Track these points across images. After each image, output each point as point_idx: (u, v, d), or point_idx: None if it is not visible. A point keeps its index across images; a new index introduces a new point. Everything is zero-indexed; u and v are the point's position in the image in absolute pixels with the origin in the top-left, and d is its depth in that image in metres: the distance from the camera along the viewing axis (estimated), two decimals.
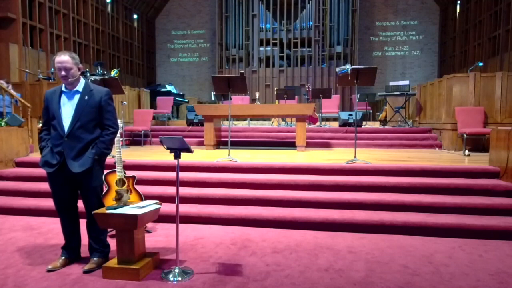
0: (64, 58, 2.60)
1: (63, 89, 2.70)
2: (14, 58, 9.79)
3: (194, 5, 17.10)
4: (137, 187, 3.45)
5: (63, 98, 2.69)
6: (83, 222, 2.87)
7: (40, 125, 7.73)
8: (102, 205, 2.79)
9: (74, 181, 2.70)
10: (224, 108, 6.56)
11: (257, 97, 10.36)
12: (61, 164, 2.64)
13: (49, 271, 2.66)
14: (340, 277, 2.59)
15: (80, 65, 2.72)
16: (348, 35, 15.23)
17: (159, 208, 2.84)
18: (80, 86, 2.71)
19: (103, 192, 3.17)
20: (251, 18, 15.70)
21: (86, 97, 2.67)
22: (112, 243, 2.90)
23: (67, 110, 2.66)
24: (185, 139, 2.63)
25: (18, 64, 9.83)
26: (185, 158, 4.75)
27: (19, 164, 5.23)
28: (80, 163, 2.62)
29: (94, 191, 2.75)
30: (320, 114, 9.40)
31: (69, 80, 2.63)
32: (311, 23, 15.31)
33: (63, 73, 2.59)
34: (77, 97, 2.68)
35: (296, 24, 15.50)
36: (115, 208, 2.69)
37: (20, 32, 9.90)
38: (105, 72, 9.80)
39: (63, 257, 2.78)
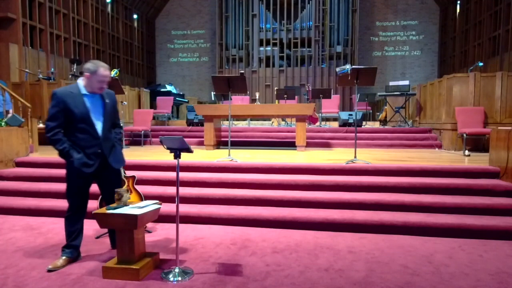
0: (109, 73, 2.81)
1: (84, 92, 2.77)
2: (14, 58, 9.79)
3: (194, 5, 17.09)
4: (137, 187, 3.45)
5: (87, 101, 2.77)
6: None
7: (41, 125, 7.73)
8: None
9: (95, 178, 2.91)
10: (224, 108, 6.56)
11: (257, 97, 10.36)
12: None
13: (49, 271, 2.67)
14: (340, 277, 2.59)
15: None
16: (348, 35, 15.23)
17: (159, 208, 2.84)
18: None
19: None
20: (251, 18, 15.69)
21: (107, 100, 2.85)
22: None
23: (95, 113, 2.79)
24: (185, 139, 2.63)
25: (18, 64, 9.83)
26: (185, 158, 4.75)
27: (19, 164, 5.23)
28: (117, 160, 2.90)
29: (119, 184, 3.02)
30: (320, 114, 9.40)
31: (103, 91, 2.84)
32: (311, 23, 15.31)
33: (104, 85, 2.79)
34: (100, 100, 2.83)
35: (296, 24, 15.49)
36: (115, 208, 2.69)
37: (20, 32, 9.89)
38: None
39: (64, 257, 2.80)
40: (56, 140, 2.69)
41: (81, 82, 2.78)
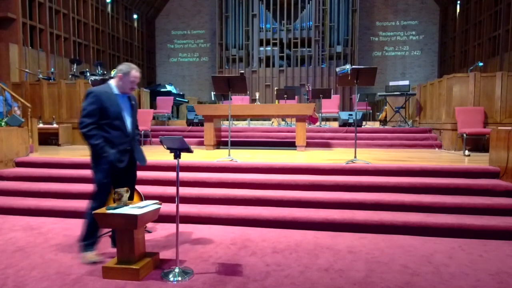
0: (140, 75, 2.97)
1: (116, 92, 2.92)
2: (14, 58, 9.78)
3: (194, 5, 17.09)
4: (137, 187, 3.45)
5: (119, 101, 2.93)
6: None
7: (41, 124, 7.74)
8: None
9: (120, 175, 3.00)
10: (224, 108, 6.56)
11: (257, 97, 10.36)
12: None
13: (94, 262, 2.77)
14: (340, 277, 2.59)
15: None
16: (348, 35, 15.23)
17: (159, 208, 2.84)
18: None
19: None
20: (251, 18, 15.69)
21: (133, 102, 3.05)
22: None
23: (126, 112, 2.96)
24: (185, 139, 2.63)
25: (18, 64, 9.82)
26: (185, 158, 4.75)
27: (19, 164, 5.23)
28: (142, 158, 3.07)
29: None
30: (320, 114, 9.39)
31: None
32: (311, 23, 15.31)
33: (135, 86, 2.97)
34: (128, 101, 3.01)
35: (296, 24, 15.49)
36: (115, 208, 2.69)
37: (20, 32, 9.89)
38: (105, 72, 9.80)
39: (94, 251, 2.90)
40: (91, 136, 2.80)
41: (112, 83, 2.94)
